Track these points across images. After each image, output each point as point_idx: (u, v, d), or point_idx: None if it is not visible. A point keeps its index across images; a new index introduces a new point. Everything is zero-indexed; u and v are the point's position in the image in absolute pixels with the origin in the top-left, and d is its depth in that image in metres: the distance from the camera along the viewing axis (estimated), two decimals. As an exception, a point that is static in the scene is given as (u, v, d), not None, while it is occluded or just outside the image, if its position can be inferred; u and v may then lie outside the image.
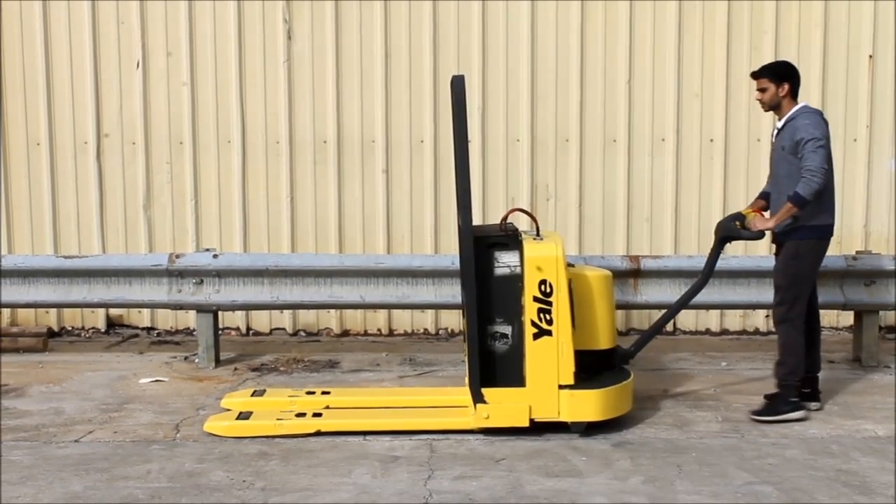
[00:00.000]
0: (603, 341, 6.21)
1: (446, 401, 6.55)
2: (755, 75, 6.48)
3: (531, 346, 5.88)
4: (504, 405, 5.91)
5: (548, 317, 5.85)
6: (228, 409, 6.44)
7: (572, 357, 5.88)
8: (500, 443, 5.83)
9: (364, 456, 5.62)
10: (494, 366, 5.99)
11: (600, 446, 5.79)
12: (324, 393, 6.69)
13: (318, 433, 6.04)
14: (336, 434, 6.01)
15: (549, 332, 5.86)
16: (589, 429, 5.94)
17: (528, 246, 5.92)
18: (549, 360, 5.87)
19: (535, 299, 5.85)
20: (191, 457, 5.61)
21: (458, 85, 5.84)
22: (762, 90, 6.40)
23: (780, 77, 6.35)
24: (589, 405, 5.94)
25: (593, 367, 6.16)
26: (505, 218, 6.16)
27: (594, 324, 6.15)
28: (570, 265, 6.12)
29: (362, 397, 6.79)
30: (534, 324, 5.86)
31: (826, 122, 6.30)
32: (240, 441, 5.88)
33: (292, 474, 5.33)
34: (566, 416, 5.92)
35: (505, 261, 5.99)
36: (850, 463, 5.51)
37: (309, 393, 6.69)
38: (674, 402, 6.74)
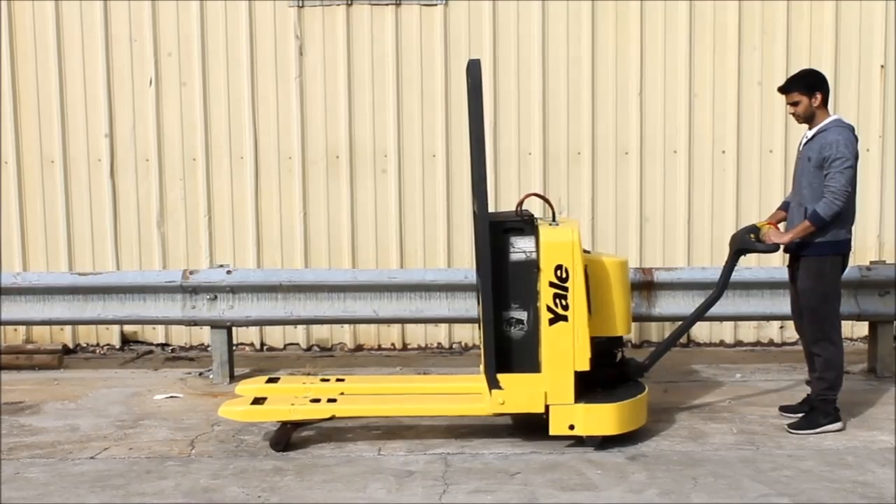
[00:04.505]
0: (619, 328, 6.19)
1: (461, 388, 6.58)
2: (784, 90, 6.35)
3: (547, 332, 5.86)
4: (519, 391, 5.90)
5: (564, 302, 5.83)
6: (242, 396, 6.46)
7: (588, 343, 5.86)
8: (514, 457, 5.83)
9: (379, 471, 5.62)
10: (510, 352, 5.97)
11: (615, 459, 5.78)
12: (338, 380, 6.73)
13: (333, 418, 6.09)
14: (351, 419, 6.14)
15: (564, 318, 5.83)
16: (604, 442, 5.93)
17: (544, 231, 5.91)
18: (564, 345, 5.84)
19: (551, 285, 5.83)
20: (206, 472, 5.62)
21: (474, 69, 5.82)
22: (794, 104, 6.27)
23: (811, 88, 6.23)
24: (604, 419, 5.92)
25: (608, 354, 6.19)
26: (521, 203, 6.10)
27: (610, 310, 6.13)
28: (585, 251, 6.11)
29: (377, 384, 6.85)
30: (549, 309, 5.84)
31: (857, 139, 6.21)
32: (255, 456, 5.89)
33: (307, 489, 5.34)
34: (581, 431, 5.91)
35: (521, 246, 5.96)
36: (867, 475, 5.49)
37: (324, 380, 6.72)
38: (689, 415, 6.73)
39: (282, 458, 5.85)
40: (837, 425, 6.29)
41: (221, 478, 5.54)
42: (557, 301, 5.84)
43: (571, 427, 5.90)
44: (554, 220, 6.15)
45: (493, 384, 5.92)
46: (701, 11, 8.84)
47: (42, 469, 5.73)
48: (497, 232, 5.94)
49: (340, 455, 5.91)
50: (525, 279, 5.94)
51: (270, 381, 6.71)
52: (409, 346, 9.12)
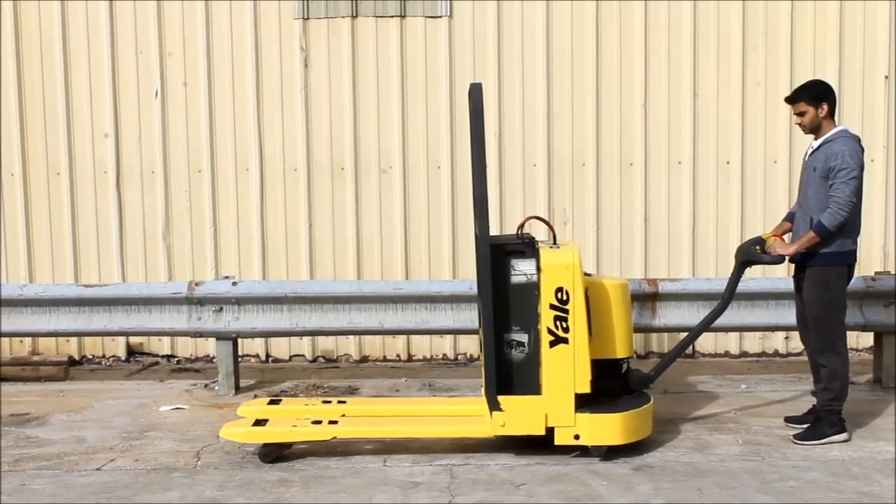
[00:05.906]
0: (620, 350, 6.19)
1: (463, 410, 6.59)
2: (791, 100, 6.37)
3: (547, 354, 5.88)
4: (520, 413, 5.91)
5: (564, 325, 5.85)
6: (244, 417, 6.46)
7: (589, 365, 5.87)
8: (520, 468, 5.83)
9: (384, 482, 5.62)
10: (511, 374, 5.98)
11: (621, 470, 5.77)
12: (340, 402, 6.73)
13: (334, 440, 6.09)
14: (352, 440, 6.11)
15: (565, 340, 5.85)
16: (609, 453, 5.93)
17: (545, 254, 5.92)
18: (565, 368, 5.86)
19: (552, 307, 5.85)
20: (211, 484, 5.63)
21: (476, 92, 5.85)
22: (801, 114, 6.28)
23: (817, 98, 6.24)
24: (609, 429, 5.93)
25: (613, 365, 6.18)
26: (521, 226, 6.13)
27: (611, 332, 6.13)
28: (587, 274, 6.12)
29: (378, 406, 6.85)
30: (550, 332, 5.85)
31: (863, 150, 6.22)
32: (260, 468, 5.89)
33: (313, 500, 5.34)
34: (586, 440, 5.91)
35: (521, 269, 5.97)
36: (872, 485, 5.48)
37: (325, 402, 6.72)
38: (694, 426, 6.72)
39: (287, 470, 5.85)
40: (843, 436, 6.29)
41: (227, 489, 5.54)
42: (558, 323, 5.86)
43: (577, 437, 5.91)
44: (555, 242, 6.17)
45: (494, 406, 5.93)
46: (704, 15, 8.87)
47: (48, 481, 5.73)
48: (498, 254, 5.96)
49: (346, 467, 5.91)
50: (526, 301, 5.96)
51: (272, 402, 6.73)
52: (414, 357, 9.13)
